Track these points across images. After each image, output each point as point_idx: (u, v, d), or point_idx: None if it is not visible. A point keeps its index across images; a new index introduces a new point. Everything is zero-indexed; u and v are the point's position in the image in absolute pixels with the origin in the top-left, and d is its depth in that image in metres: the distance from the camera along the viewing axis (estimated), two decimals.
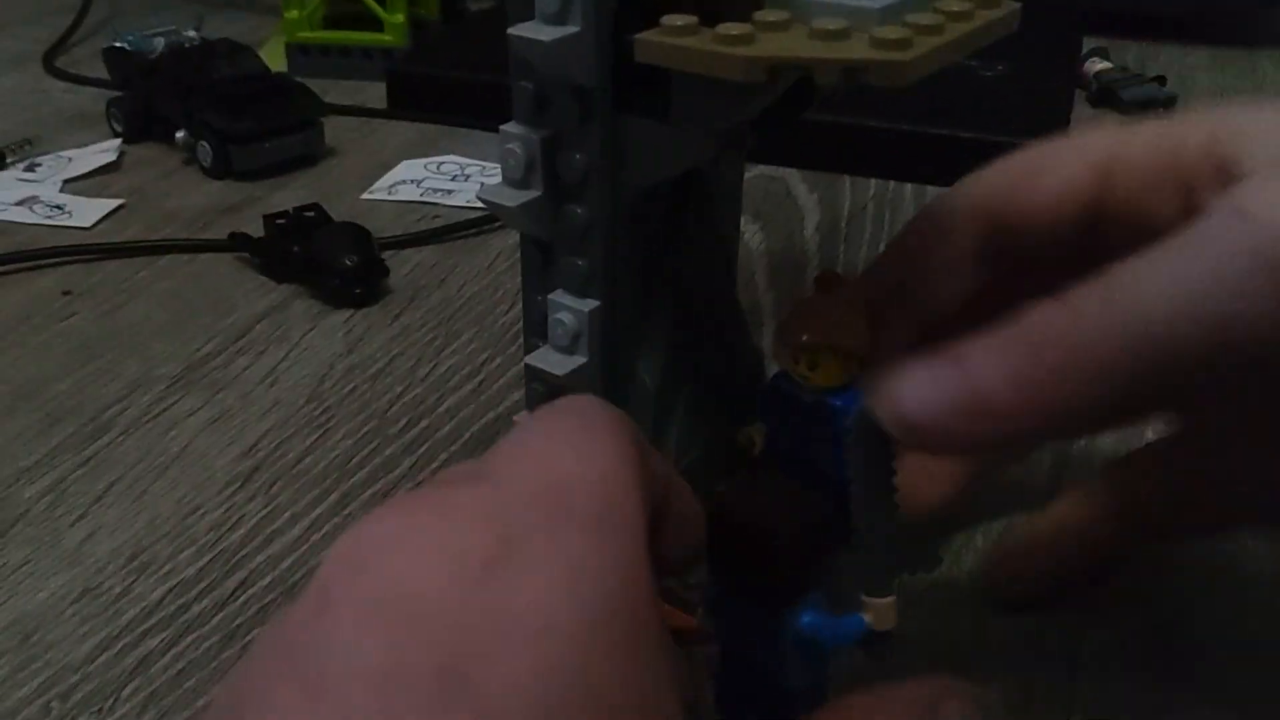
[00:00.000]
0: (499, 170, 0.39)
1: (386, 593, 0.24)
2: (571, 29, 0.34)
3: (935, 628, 0.45)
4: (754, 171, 0.84)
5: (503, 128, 0.38)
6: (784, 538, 0.35)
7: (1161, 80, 0.99)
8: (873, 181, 0.84)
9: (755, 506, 0.36)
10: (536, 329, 0.41)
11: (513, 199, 0.38)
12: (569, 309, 0.39)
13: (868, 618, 0.35)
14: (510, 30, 0.35)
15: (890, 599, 0.35)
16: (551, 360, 0.40)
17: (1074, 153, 0.39)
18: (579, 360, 0.40)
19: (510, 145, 0.38)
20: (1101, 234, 0.38)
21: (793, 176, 0.85)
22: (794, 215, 0.80)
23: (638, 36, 0.34)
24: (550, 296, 0.40)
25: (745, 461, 0.42)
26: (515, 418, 0.44)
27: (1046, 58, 0.97)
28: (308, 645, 0.24)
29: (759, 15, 0.33)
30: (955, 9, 0.34)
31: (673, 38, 0.33)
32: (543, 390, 0.42)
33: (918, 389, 0.33)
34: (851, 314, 0.41)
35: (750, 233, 0.76)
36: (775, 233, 0.77)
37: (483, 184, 0.84)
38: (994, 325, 0.32)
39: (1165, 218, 0.35)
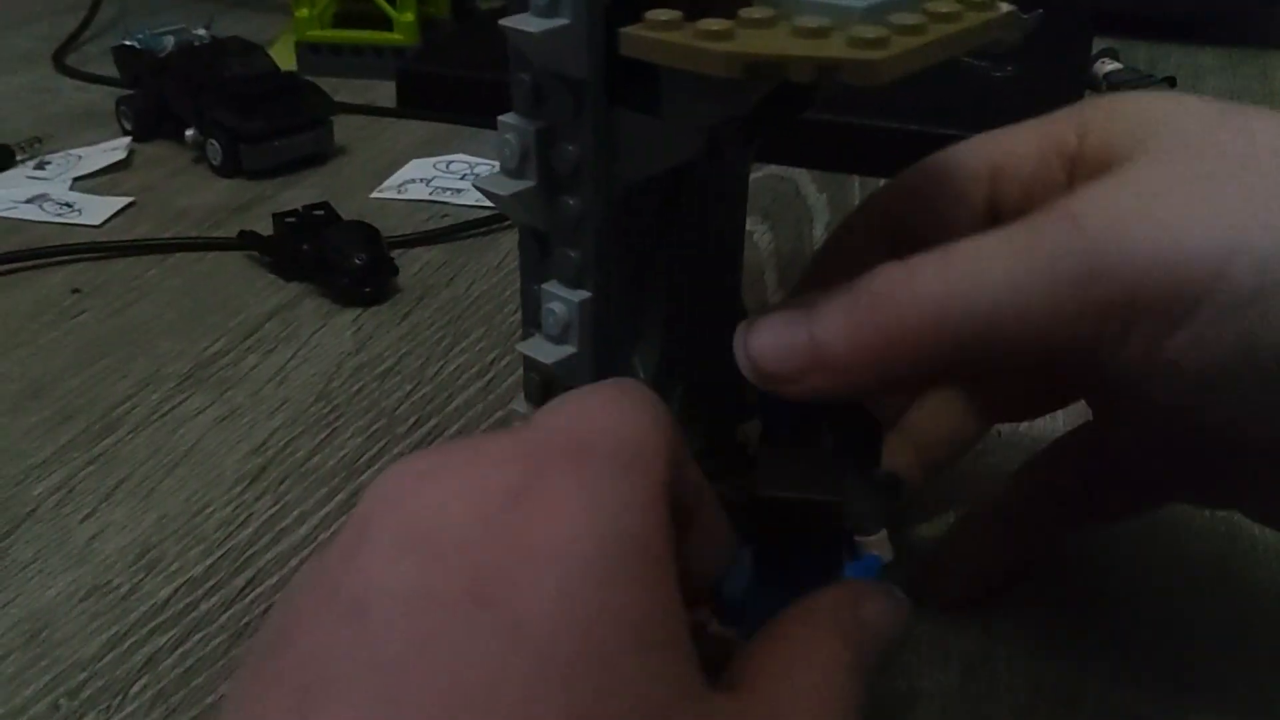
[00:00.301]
0: (499, 161, 0.39)
1: (418, 524, 0.26)
2: (561, 21, 0.35)
3: (942, 628, 0.45)
4: (763, 171, 0.85)
5: (501, 118, 0.39)
6: (835, 503, 0.36)
7: (1172, 81, 0.99)
8: (881, 182, 0.84)
9: (801, 481, 0.36)
10: (532, 318, 0.41)
11: (506, 188, 0.38)
12: (560, 299, 0.39)
13: (877, 553, 0.37)
14: (501, 21, 0.36)
15: (883, 533, 0.37)
16: (542, 349, 0.40)
17: (968, 157, 0.40)
18: (568, 350, 0.40)
19: (507, 135, 0.38)
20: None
21: (802, 176, 0.85)
22: (803, 215, 0.80)
23: (622, 30, 0.34)
24: (544, 286, 0.40)
25: (746, 457, 0.43)
26: (513, 405, 0.45)
27: (1057, 58, 0.97)
28: (347, 575, 0.26)
29: (744, 12, 0.33)
30: (942, 10, 0.34)
31: (655, 32, 0.33)
32: (538, 380, 0.42)
33: (769, 335, 0.35)
34: None
35: (759, 232, 0.76)
36: (784, 233, 0.77)
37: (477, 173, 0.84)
38: (849, 281, 0.34)
39: (1050, 190, 0.37)
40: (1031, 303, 0.31)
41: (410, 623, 0.25)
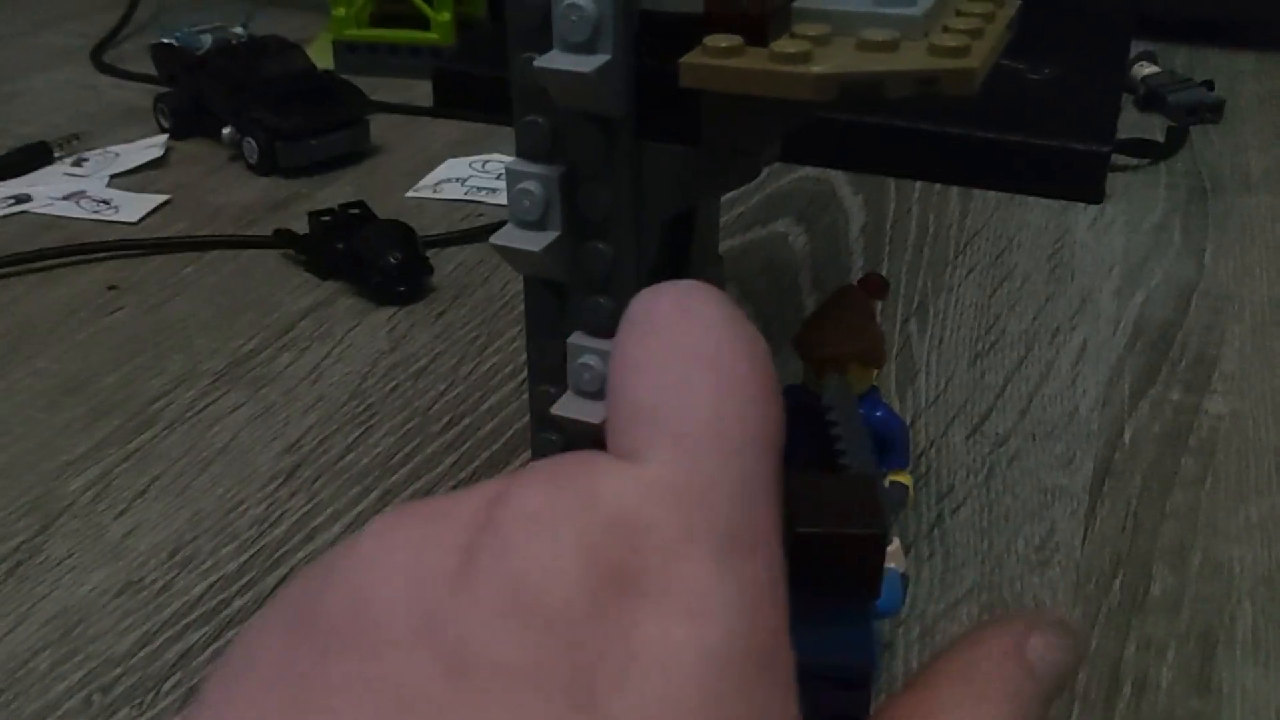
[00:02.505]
0: (510, 213, 0.36)
1: (526, 588, 0.22)
2: (603, 57, 0.33)
3: None
4: (799, 174, 0.84)
5: (510, 166, 0.36)
6: (877, 535, 0.35)
7: (1210, 84, 0.98)
8: (917, 184, 0.84)
9: (840, 513, 0.36)
10: (548, 374, 0.39)
11: (535, 242, 0.36)
12: (595, 351, 0.37)
13: (893, 565, 0.36)
14: (538, 63, 0.33)
15: (896, 543, 0.37)
16: (582, 408, 0.38)
17: None
18: None
19: (525, 185, 0.36)
20: None
21: (838, 179, 0.84)
22: (839, 217, 0.79)
23: (683, 60, 0.32)
24: (570, 340, 0.38)
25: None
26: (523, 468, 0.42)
27: (1094, 61, 0.97)
28: (452, 625, 0.22)
29: (799, 30, 0.32)
30: (980, 10, 0.33)
31: (725, 59, 0.32)
32: (559, 441, 0.40)
33: None
34: (871, 324, 0.41)
35: (794, 235, 0.76)
36: (820, 235, 0.77)
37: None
38: None
39: None
40: None
41: (510, 702, 0.21)
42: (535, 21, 0.34)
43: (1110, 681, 0.44)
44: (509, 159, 0.87)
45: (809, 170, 0.85)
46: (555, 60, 0.33)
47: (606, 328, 0.37)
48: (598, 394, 0.38)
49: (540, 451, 0.41)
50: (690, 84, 0.32)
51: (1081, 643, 0.30)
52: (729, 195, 0.78)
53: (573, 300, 0.37)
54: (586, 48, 0.33)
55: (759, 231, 0.77)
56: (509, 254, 0.36)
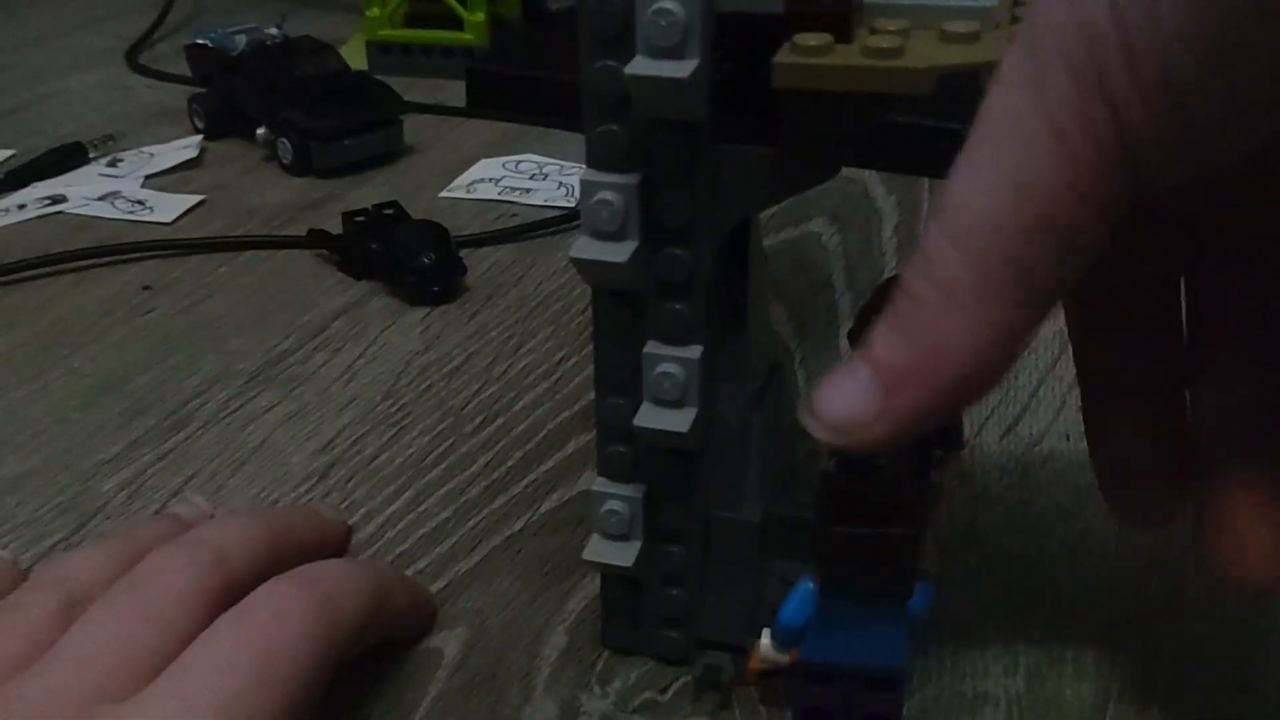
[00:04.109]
0: (586, 225, 0.36)
1: None
2: (693, 62, 0.32)
3: (1008, 633, 0.45)
4: None
5: (584, 178, 0.35)
6: (910, 535, 0.35)
7: None
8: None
9: (874, 513, 0.35)
10: (619, 387, 0.39)
11: (617, 254, 0.35)
12: (674, 359, 0.37)
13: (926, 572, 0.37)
14: (629, 70, 0.32)
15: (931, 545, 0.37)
16: (664, 418, 0.37)
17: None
18: (693, 412, 0.37)
19: (603, 195, 0.35)
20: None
21: (871, 178, 0.84)
22: (872, 217, 0.79)
23: (776, 60, 0.32)
24: (646, 350, 0.37)
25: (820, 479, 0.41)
26: (594, 486, 0.41)
27: None
28: None
29: (880, 25, 0.32)
30: None
31: (820, 58, 0.31)
32: (629, 452, 0.39)
33: (831, 389, 0.32)
34: None
35: (828, 234, 0.76)
36: (853, 235, 0.76)
37: (545, 173, 0.85)
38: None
39: None
40: (1050, 156, 0.28)
41: None
42: (615, 29, 0.33)
43: (1145, 683, 0.43)
44: (542, 159, 0.88)
45: (842, 170, 0.84)
46: (646, 67, 0.32)
47: (684, 335, 0.37)
48: (678, 402, 0.37)
49: (608, 464, 0.40)
50: (784, 84, 0.32)
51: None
52: None
53: (648, 309, 0.37)
54: (675, 53, 0.32)
55: (792, 232, 0.77)
56: (589, 266, 0.36)
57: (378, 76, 0.94)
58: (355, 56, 1.04)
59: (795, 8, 0.32)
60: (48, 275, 0.74)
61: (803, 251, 0.74)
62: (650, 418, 0.38)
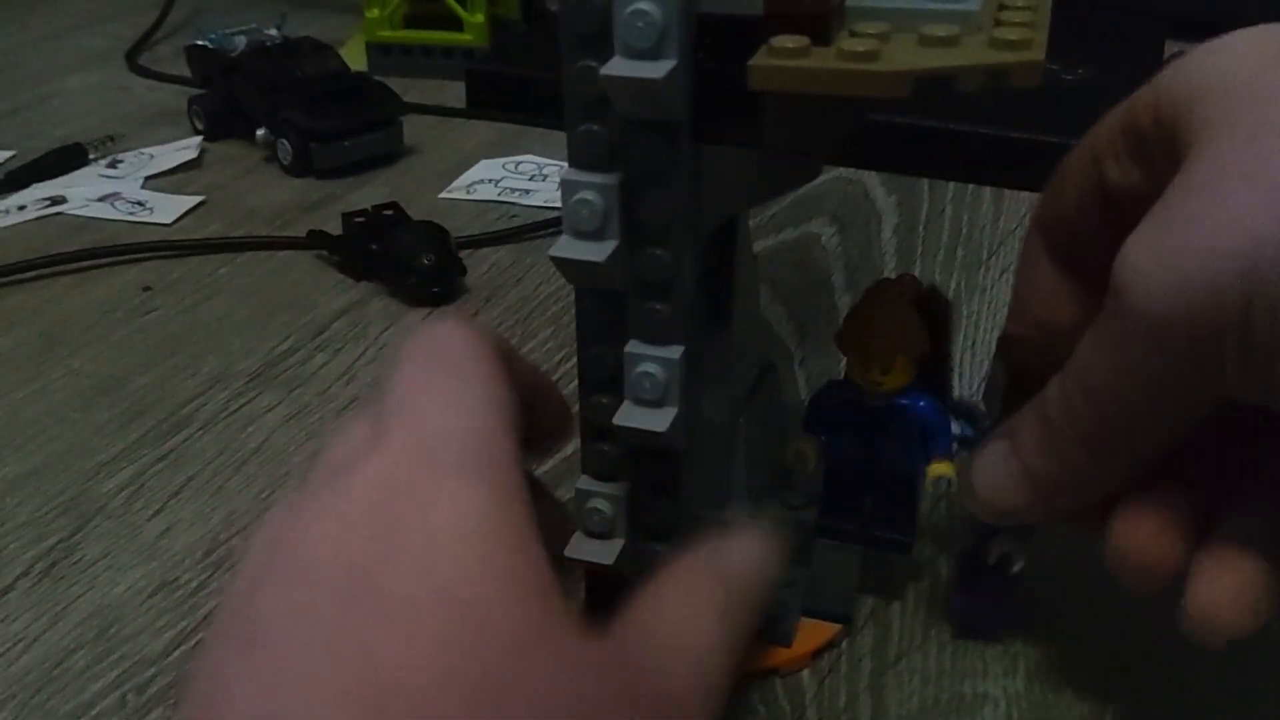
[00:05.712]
0: (567, 224, 0.36)
1: (299, 560, 0.29)
2: (669, 63, 0.32)
3: (1008, 634, 0.45)
4: (832, 174, 0.84)
5: (565, 177, 0.35)
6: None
7: None
8: (951, 184, 0.83)
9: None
10: (602, 385, 0.39)
11: (597, 253, 0.35)
12: (655, 359, 0.37)
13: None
14: (605, 71, 0.32)
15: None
16: (644, 417, 0.37)
17: (1083, 140, 0.39)
18: (673, 411, 0.37)
19: (583, 195, 0.35)
20: (1117, 206, 0.37)
21: (871, 179, 0.84)
22: (872, 217, 0.79)
23: (751, 63, 0.32)
24: (628, 350, 0.37)
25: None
26: (578, 484, 0.41)
27: (1129, 62, 0.96)
28: (239, 616, 0.29)
29: (859, 29, 0.32)
30: (1024, 3, 0.33)
31: (795, 60, 0.31)
32: (613, 451, 0.39)
33: (989, 474, 0.38)
34: (914, 319, 0.42)
35: (827, 235, 0.76)
36: (853, 235, 0.76)
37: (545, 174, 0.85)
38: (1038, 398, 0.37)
39: (1134, 186, 0.36)
40: (1131, 382, 0.33)
41: (290, 640, 0.27)
42: (594, 29, 0.33)
43: (1145, 684, 0.43)
44: (542, 160, 0.88)
45: (841, 171, 0.85)
46: (622, 68, 0.32)
47: (665, 335, 0.36)
48: (658, 402, 0.37)
49: (592, 462, 0.40)
50: (760, 86, 0.32)
51: (773, 550, 0.37)
52: None
53: (629, 308, 0.37)
54: (652, 54, 0.32)
55: (791, 232, 0.77)
56: (569, 265, 0.36)
57: (377, 77, 0.94)
58: (355, 57, 1.04)
59: (774, 9, 0.32)
60: (48, 276, 0.74)
61: (803, 251, 0.74)
62: (630, 417, 0.37)
